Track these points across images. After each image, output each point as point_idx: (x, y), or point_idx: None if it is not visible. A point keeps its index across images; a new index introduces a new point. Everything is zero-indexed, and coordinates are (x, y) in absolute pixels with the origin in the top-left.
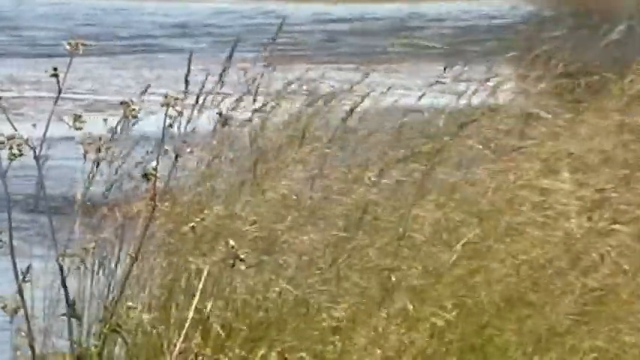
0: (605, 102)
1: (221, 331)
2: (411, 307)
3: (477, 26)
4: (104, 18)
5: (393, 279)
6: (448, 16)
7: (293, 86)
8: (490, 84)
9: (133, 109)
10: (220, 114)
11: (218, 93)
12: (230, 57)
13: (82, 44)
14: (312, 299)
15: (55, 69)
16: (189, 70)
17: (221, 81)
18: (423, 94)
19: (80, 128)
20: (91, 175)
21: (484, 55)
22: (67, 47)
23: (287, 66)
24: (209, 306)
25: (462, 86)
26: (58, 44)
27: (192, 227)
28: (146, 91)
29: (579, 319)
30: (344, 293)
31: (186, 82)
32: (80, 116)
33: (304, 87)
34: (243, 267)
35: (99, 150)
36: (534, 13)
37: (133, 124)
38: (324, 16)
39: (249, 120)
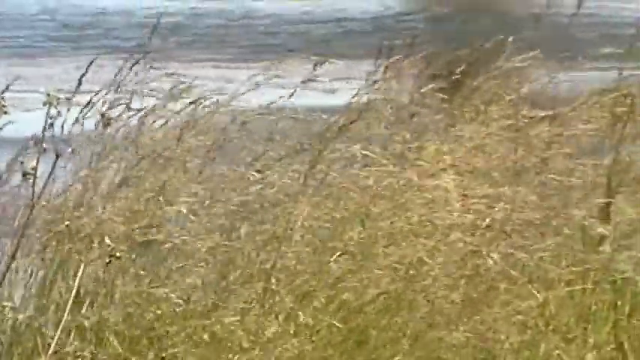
0: (489, 102)
1: (112, 338)
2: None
3: (354, 25)
4: None
5: (273, 280)
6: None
7: (171, 84)
8: (371, 83)
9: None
10: (103, 114)
11: (93, 92)
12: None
13: None
14: (198, 303)
15: None
16: (87, 70)
17: (118, 84)
18: (293, 92)
19: None
20: None
21: (364, 55)
22: None
23: (167, 63)
24: (83, 307)
25: (341, 85)
26: None
27: (67, 226)
28: (7, 88)
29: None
30: (229, 295)
31: (80, 81)
32: None
33: (184, 85)
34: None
35: None
36: (408, 12)
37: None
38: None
39: (130, 119)
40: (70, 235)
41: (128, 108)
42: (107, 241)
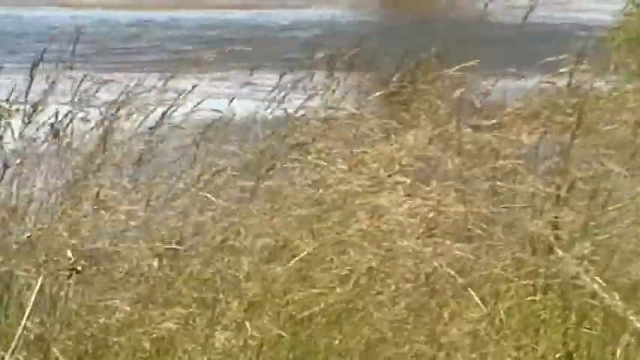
0: (434, 109)
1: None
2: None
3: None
4: None
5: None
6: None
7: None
8: (316, 92)
9: None
10: (52, 125)
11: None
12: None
13: None
14: (143, 312)
15: None
16: (31, 80)
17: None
18: (232, 99)
19: None
20: None
21: (312, 63)
22: None
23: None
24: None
25: (291, 94)
26: None
27: (29, 237)
28: None
29: (404, 325)
30: (175, 304)
31: (27, 92)
32: None
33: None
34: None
35: None
36: (358, 20)
37: None
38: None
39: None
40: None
41: (77, 119)
42: (69, 254)
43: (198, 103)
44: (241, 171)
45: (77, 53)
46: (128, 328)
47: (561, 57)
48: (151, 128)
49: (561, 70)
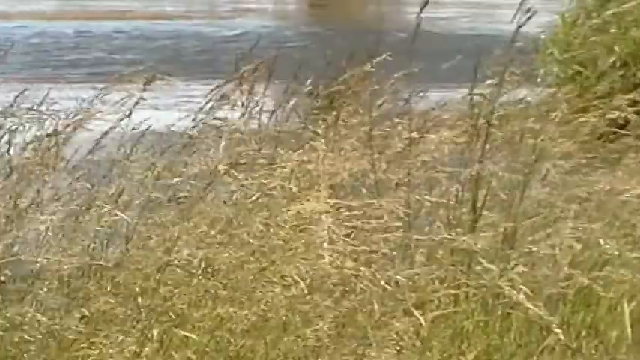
0: (357, 117)
1: None
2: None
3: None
4: None
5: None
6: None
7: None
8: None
9: None
10: None
11: None
12: None
13: None
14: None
15: None
16: None
17: None
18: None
19: None
20: None
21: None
22: None
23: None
24: None
25: (220, 105)
26: None
27: None
28: None
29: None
30: (98, 320)
31: None
32: None
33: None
34: None
35: None
36: (283, 31)
37: None
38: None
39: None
40: None
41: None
42: None
43: (127, 117)
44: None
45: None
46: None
47: (487, 67)
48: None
49: (488, 80)
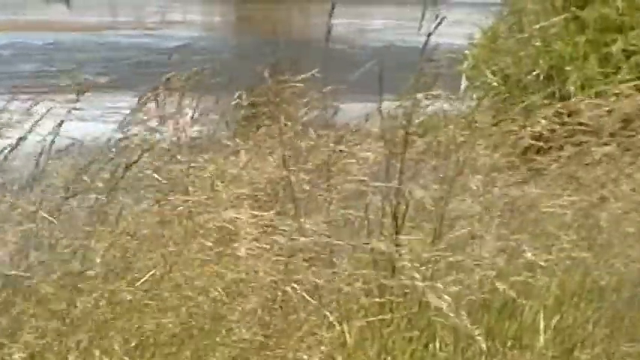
0: (281, 128)
1: None
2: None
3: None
4: None
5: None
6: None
7: None
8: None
9: None
10: None
11: None
12: None
13: None
14: None
15: None
16: None
17: None
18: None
19: None
20: None
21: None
22: None
23: None
24: None
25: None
26: None
27: None
28: None
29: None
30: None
31: None
32: None
33: None
34: None
35: None
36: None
37: None
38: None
39: None
40: None
41: None
42: None
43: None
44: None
45: None
46: None
47: (414, 79)
48: None
49: (411, 91)
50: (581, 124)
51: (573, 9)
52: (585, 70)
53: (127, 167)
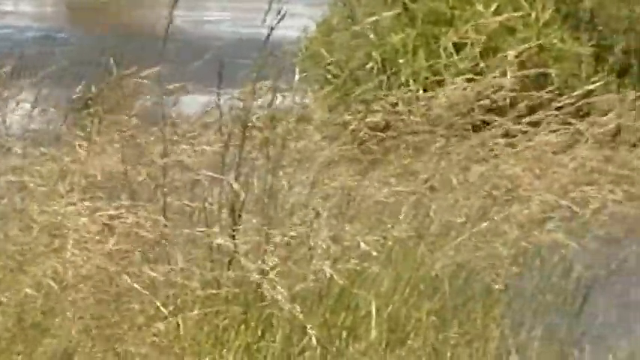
0: (118, 120)
1: None
2: None
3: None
4: None
5: None
6: None
7: None
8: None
9: None
10: None
11: None
12: None
13: None
14: None
15: None
16: None
17: None
18: None
19: None
20: None
21: None
22: None
23: None
24: None
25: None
26: None
27: None
28: None
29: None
30: None
31: None
32: None
33: None
34: None
35: None
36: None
37: None
38: None
39: None
40: None
41: None
42: None
43: None
44: None
45: None
46: None
47: (249, 72)
48: None
49: (248, 83)
50: (416, 114)
51: (405, 2)
52: (415, 62)
53: None
